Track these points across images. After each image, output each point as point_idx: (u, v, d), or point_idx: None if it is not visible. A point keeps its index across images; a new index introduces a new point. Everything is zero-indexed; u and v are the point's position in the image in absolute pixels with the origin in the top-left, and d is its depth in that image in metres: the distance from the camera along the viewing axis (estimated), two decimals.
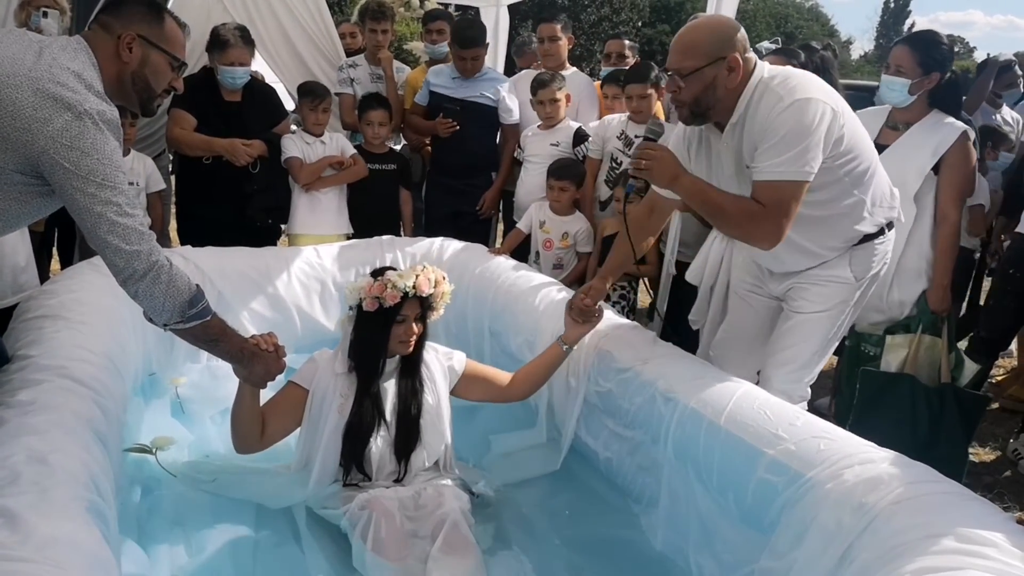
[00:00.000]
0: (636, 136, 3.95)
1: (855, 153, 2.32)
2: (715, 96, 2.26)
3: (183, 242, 3.81)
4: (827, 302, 2.53)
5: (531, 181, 4.14)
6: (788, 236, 2.33)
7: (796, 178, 2.19)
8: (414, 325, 2.39)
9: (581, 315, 2.64)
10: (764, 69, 2.28)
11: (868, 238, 2.50)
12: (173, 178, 4.26)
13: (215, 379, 3.08)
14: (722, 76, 2.23)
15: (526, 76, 4.49)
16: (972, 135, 3.07)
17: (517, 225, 4.04)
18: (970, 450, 3.28)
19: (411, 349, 2.42)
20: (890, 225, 2.56)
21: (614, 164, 4.01)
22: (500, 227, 4.98)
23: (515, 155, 4.30)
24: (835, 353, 2.87)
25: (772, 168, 2.19)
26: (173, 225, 4.20)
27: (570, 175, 3.88)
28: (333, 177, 3.98)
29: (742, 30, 2.29)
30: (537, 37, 4.58)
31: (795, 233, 2.37)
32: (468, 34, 4.23)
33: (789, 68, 2.38)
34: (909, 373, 3.04)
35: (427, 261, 3.59)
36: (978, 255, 4.14)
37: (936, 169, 3.06)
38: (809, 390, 2.63)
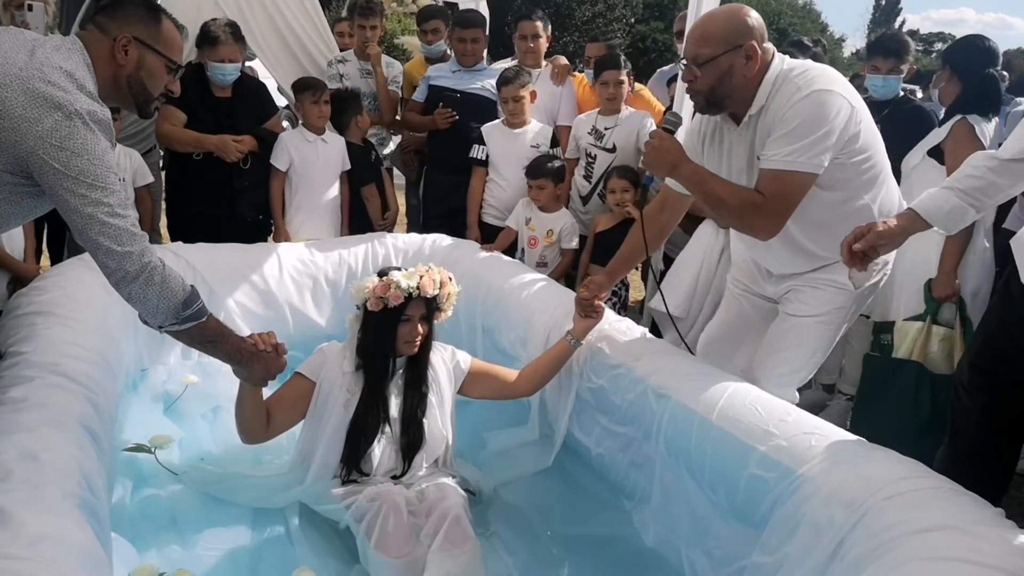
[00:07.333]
0: (606, 128, 3.98)
1: (869, 153, 2.28)
2: (731, 85, 2.23)
3: (174, 238, 3.79)
4: (823, 307, 2.47)
5: (508, 180, 4.06)
6: (792, 235, 2.31)
7: (803, 169, 2.16)
8: (419, 326, 2.38)
9: (582, 309, 2.63)
10: (784, 61, 2.26)
11: None
12: (163, 174, 4.23)
13: (207, 376, 3.06)
14: (739, 64, 2.21)
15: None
16: (972, 121, 3.06)
17: (507, 223, 4.01)
18: None
19: (416, 349, 2.42)
20: None
21: (589, 159, 4.02)
22: None
23: (481, 152, 4.07)
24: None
25: (781, 157, 2.16)
26: (164, 221, 4.18)
27: (543, 173, 3.86)
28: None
29: (760, 19, 2.26)
30: (518, 35, 4.38)
31: (799, 232, 2.35)
32: (468, 15, 4.32)
33: (809, 61, 2.34)
34: (917, 360, 2.99)
35: (418, 257, 3.60)
36: None
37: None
38: (797, 394, 2.59)
